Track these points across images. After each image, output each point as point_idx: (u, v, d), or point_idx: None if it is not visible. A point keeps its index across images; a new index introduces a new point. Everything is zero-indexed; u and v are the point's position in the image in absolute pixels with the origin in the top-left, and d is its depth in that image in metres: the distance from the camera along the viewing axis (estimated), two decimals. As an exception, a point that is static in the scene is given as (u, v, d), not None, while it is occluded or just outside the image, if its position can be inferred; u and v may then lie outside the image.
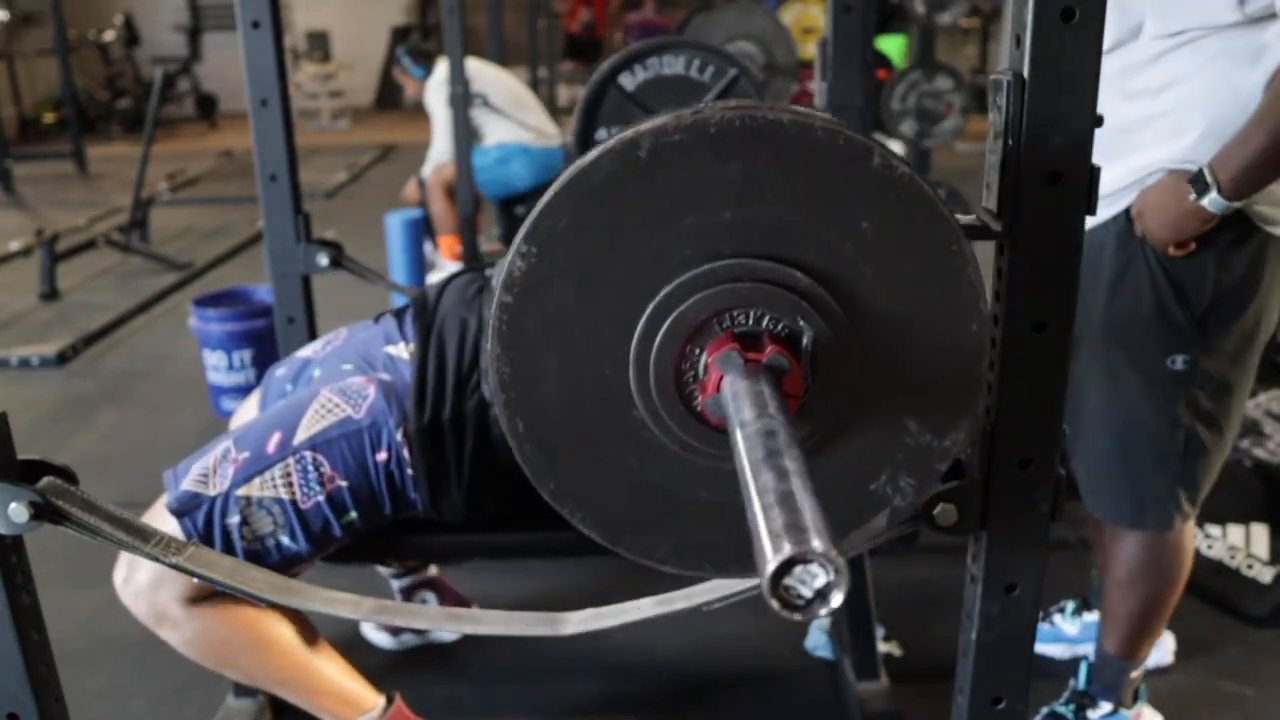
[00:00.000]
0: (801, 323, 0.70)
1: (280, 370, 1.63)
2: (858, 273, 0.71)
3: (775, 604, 0.49)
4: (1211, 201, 1.31)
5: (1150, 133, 1.39)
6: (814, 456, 0.75)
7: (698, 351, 0.71)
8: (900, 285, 0.72)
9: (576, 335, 0.72)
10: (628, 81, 1.96)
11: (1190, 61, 1.34)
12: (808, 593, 0.49)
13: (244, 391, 2.86)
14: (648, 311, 0.71)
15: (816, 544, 0.49)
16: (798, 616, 0.49)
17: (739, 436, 0.60)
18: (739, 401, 0.64)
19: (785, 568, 0.49)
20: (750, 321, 0.70)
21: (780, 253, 0.70)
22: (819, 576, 0.49)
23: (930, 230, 0.71)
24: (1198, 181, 1.32)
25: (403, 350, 1.50)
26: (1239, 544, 2.12)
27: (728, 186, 0.69)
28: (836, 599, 0.49)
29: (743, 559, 0.79)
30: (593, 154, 0.69)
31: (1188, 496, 1.51)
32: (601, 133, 1.96)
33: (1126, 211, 1.43)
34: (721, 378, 0.68)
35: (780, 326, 0.70)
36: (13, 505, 0.84)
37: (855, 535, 0.79)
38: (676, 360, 0.71)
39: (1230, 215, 1.35)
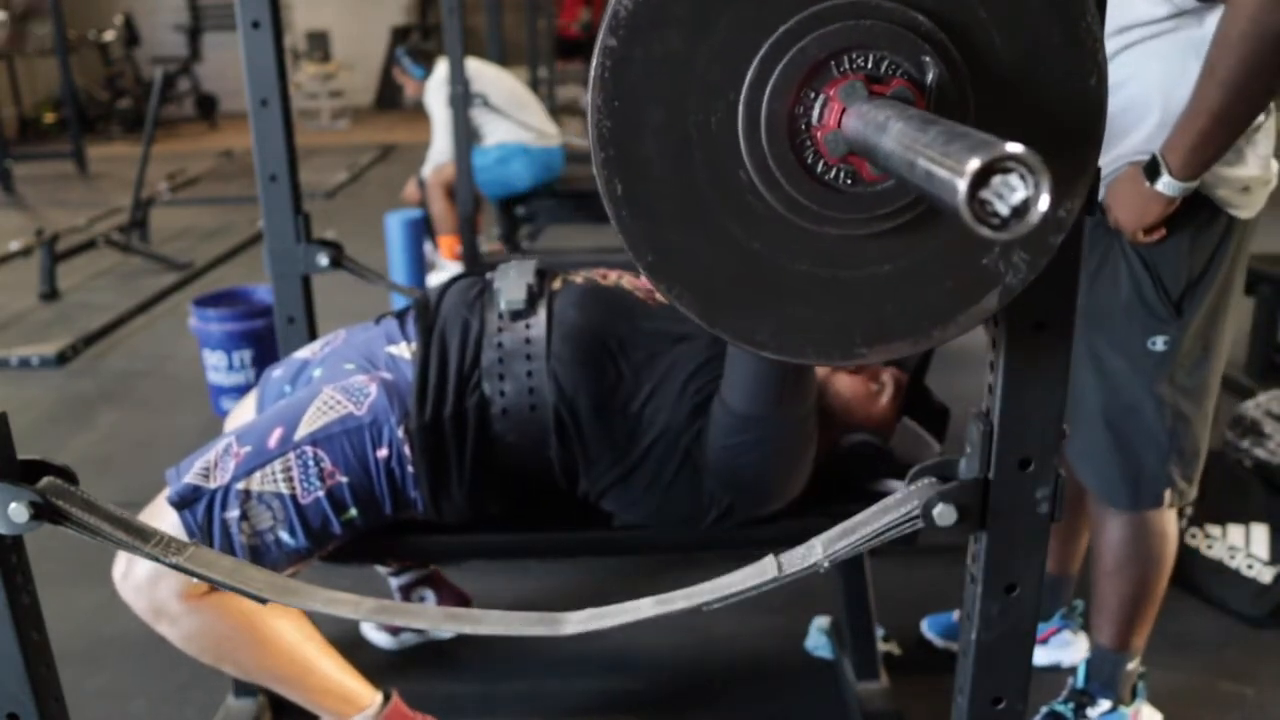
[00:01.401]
0: (926, 60, 0.66)
1: (277, 371, 1.63)
2: (975, 16, 0.68)
3: (971, 220, 0.46)
4: (1166, 184, 1.38)
5: (1113, 130, 1.44)
6: (926, 225, 0.71)
7: (814, 95, 0.67)
8: (1018, 31, 0.68)
9: (684, 82, 0.67)
10: None
11: (1141, 60, 1.42)
12: (1005, 209, 0.46)
13: (244, 391, 2.86)
14: (763, 50, 0.67)
15: (1012, 148, 0.45)
16: (998, 235, 0.45)
17: (885, 131, 0.56)
18: (874, 112, 0.60)
19: (980, 179, 0.45)
20: (869, 64, 0.66)
21: None
22: (1018, 190, 0.45)
23: None
24: (1151, 167, 1.39)
25: (404, 350, 1.50)
26: (1239, 544, 2.12)
27: None
28: (1037, 213, 0.45)
29: (845, 342, 0.75)
30: None
31: (1180, 472, 1.56)
32: None
33: (1100, 205, 1.47)
34: (844, 112, 0.64)
35: (900, 71, 0.66)
36: (13, 505, 0.84)
37: (964, 316, 0.75)
38: (791, 104, 0.67)
39: (1196, 202, 1.42)
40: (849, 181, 0.68)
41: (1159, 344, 1.49)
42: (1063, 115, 0.70)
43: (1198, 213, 1.44)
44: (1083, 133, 0.71)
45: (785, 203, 0.69)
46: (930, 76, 0.66)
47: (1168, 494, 1.56)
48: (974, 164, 0.45)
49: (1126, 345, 1.51)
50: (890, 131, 0.56)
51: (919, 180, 0.51)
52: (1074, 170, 0.72)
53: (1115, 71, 1.42)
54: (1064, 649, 1.92)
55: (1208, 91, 1.32)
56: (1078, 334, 1.48)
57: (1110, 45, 1.41)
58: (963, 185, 0.45)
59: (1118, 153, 1.46)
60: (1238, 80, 1.29)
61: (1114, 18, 1.40)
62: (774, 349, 0.75)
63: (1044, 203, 0.45)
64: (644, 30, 0.67)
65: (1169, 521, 1.61)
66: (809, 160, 0.68)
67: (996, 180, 0.45)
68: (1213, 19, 1.34)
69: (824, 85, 0.66)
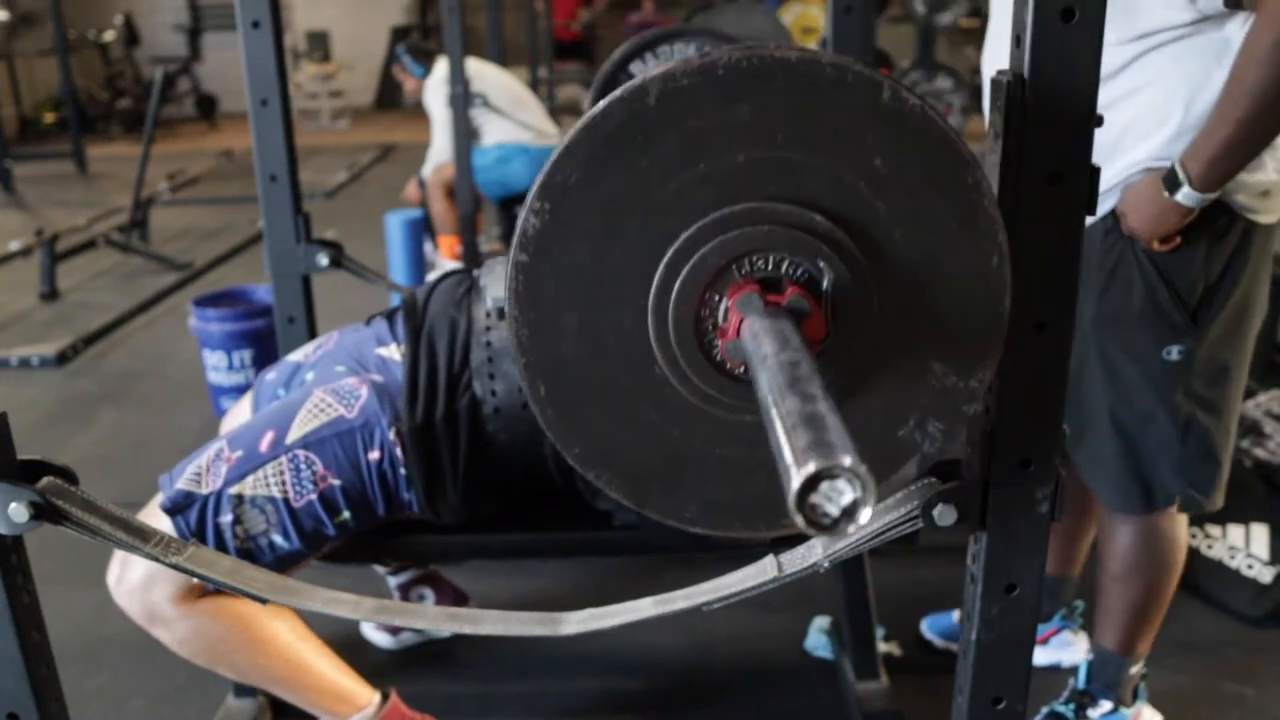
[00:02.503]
0: (821, 264, 0.68)
1: (271, 374, 1.63)
2: (873, 212, 0.70)
3: (801, 521, 0.48)
4: (1185, 195, 1.35)
5: (1130, 136, 1.42)
6: (842, 406, 0.72)
7: (717, 298, 0.69)
8: (917, 222, 0.70)
9: (594, 290, 0.71)
10: (638, 70, 1.94)
11: (1160, 65, 1.38)
12: (834, 510, 0.48)
13: (244, 391, 2.86)
14: (665, 259, 0.69)
15: (844, 459, 0.48)
16: (825, 535, 0.48)
17: (762, 369, 0.59)
18: (760, 339, 0.63)
19: (811, 483, 0.48)
20: (769, 266, 0.69)
21: (795, 194, 0.69)
22: (845, 493, 0.48)
23: (944, 162, 0.69)
24: (1170, 178, 1.36)
25: (394, 351, 1.50)
26: (1239, 544, 2.12)
27: (739, 129, 0.68)
28: (864, 515, 0.48)
29: (770, 515, 0.78)
30: (601, 104, 0.68)
31: (1193, 481, 1.53)
32: None
33: (1113, 212, 1.46)
34: (742, 321, 0.67)
35: (799, 270, 0.69)
36: (13, 505, 0.84)
37: (884, 485, 0.77)
38: (696, 308, 0.70)
39: (1213, 207, 1.39)
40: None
41: (1174, 354, 1.46)
42: (967, 296, 0.72)
43: (1215, 219, 1.40)
44: (986, 309, 0.73)
45: (699, 396, 0.73)
46: (826, 281, 0.69)
47: (1178, 499, 1.54)
48: (809, 469, 0.48)
49: (1141, 354, 1.48)
50: (765, 373, 0.58)
51: (771, 446, 0.53)
52: (980, 346, 0.74)
53: (1131, 77, 1.40)
54: (1064, 649, 1.92)
55: (1234, 102, 1.28)
56: (1090, 341, 1.50)
57: (1126, 51, 1.39)
58: (795, 486, 0.48)
59: (1133, 159, 1.42)
60: (1267, 92, 1.25)
61: (1129, 23, 1.37)
62: (703, 525, 0.79)
63: (866, 514, 0.48)
64: (551, 246, 0.70)
65: (1179, 529, 1.59)
66: (717, 358, 0.71)
67: (825, 485, 0.48)
68: (1235, 24, 1.32)
69: (726, 289, 0.69)
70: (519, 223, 0.70)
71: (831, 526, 0.48)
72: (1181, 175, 1.35)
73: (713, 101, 0.67)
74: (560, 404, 0.74)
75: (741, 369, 0.70)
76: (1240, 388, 1.53)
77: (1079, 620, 1.94)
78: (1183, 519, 1.59)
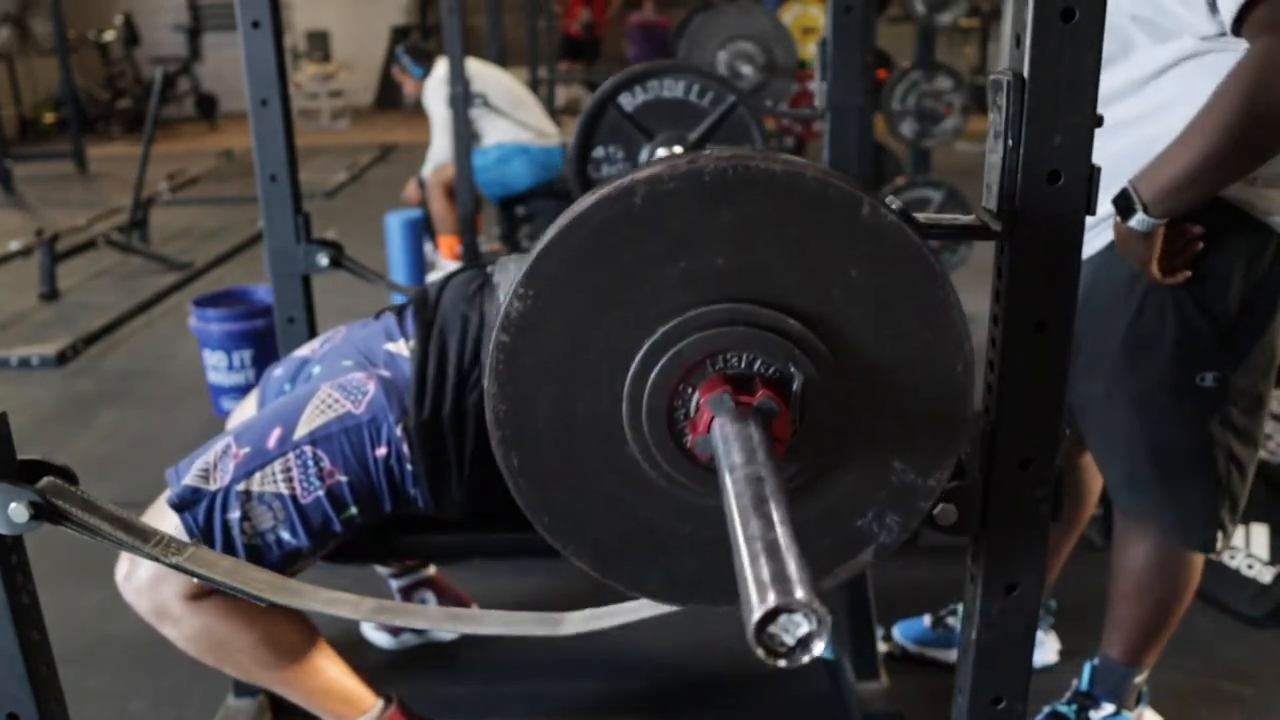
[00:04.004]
0: (792, 368, 0.72)
1: (278, 370, 1.63)
2: (846, 317, 0.73)
3: (760, 651, 0.51)
4: (1139, 221, 1.28)
5: (1152, 153, 1.35)
6: (801, 495, 0.77)
7: (690, 390, 0.73)
8: (887, 330, 0.74)
9: (571, 374, 0.74)
10: (627, 102, 1.97)
11: (1192, 80, 1.31)
12: (790, 640, 0.51)
13: (244, 391, 2.86)
14: (642, 350, 0.73)
15: (800, 594, 0.51)
16: (781, 663, 0.52)
17: (728, 481, 0.62)
18: (729, 445, 0.66)
19: (770, 617, 0.51)
20: (742, 364, 0.72)
21: (771, 297, 0.72)
22: (802, 625, 0.51)
23: (917, 277, 0.73)
24: (1122, 201, 1.29)
25: (403, 347, 1.50)
26: (1239, 544, 2.12)
27: (721, 233, 0.71)
28: (818, 647, 0.51)
29: (729, 591, 0.80)
30: (588, 200, 0.71)
31: (1230, 516, 1.49)
32: (599, 150, 1.98)
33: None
34: (713, 419, 0.70)
35: (771, 370, 0.72)
36: (13, 505, 0.84)
37: (841, 570, 0.81)
38: (669, 398, 0.73)
39: (1249, 227, 1.33)
40: None
41: (1208, 379, 1.40)
42: (930, 400, 0.76)
43: (1250, 238, 1.35)
44: (947, 413, 0.76)
45: (667, 479, 0.76)
46: (796, 384, 0.72)
47: (1219, 539, 1.50)
48: (767, 604, 0.51)
49: (1173, 382, 1.42)
50: (733, 484, 0.61)
51: (734, 566, 0.56)
52: (939, 445, 0.78)
53: (1155, 94, 1.35)
54: (1036, 649, 1.92)
55: (1201, 132, 1.22)
56: (1118, 373, 1.45)
57: (1159, 57, 1.34)
58: (754, 619, 0.51)
59: None
60: (1243, 129, 1.20)
61: (1154, 31, 1.32)
62: (664, 598, 0.83)
63: (821, 644, 0.51)
64: (533, 330, 0.73)
65: (1195, 552, 1.56)
66: (688, 445, 0.74)
67: (783, 618, 0.51)
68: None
69: (700, 383, 0.72)
70: (503, 306, 0.73)
71: (787, 655, 0.51)
72: (1134, 199, 1.28)
73: (697, 205, 0.70)
74: (532, 476, 0.77)
75: (710, 459, 0.72)
76: (1267, 414, 1.48)
77: (1050, 619, 1.95)
78: None
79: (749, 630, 0.51)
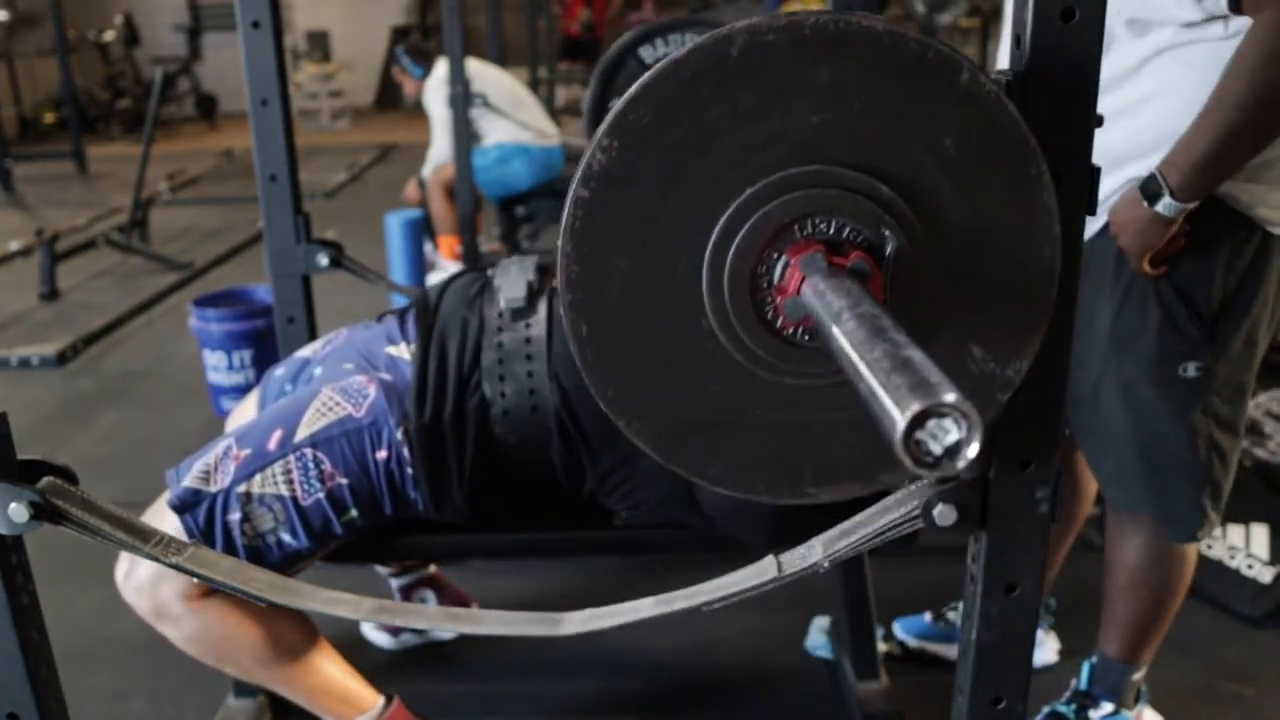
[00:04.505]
0: (885, 232, 0.68)
1: (279, 370, 1.63)
2: (937, 187, 0.70)
3: (908, 460, 0.49)
4: (1166, 206, 1.31)
5: (1141, 145, 1.38)
6: None
7: (775, 256, 0.69)
8: (978, 204, 0.71)
9: (651, 235, 0.70)
10: (647, 54, 1.94)
11: (1173, 72, 1.34)
12: (938, 448, 0.49)
13: (244, 391, 2.86)
14: (729, 211, 0.69)
15: (948, 396, 0.48)
16: (932, 474, 0.50)
17: (836, 327, 0.59)
18: (828, 296, 0.62)
19: (918, 421, 0.48)
20: (831, 229, 0.69)
21: (864, 162, 0.69)
22: (951, 431, 0.48)
23: (1012, 150, 0.70)
24: (1149, 187, 1.32)
25: (404, 350, 1.50)
26: (1239, 544, 2.12)
27: (816, 90, 0.68)
28: (970, 452, 0.48)
29: (796, 481, 0.78)
30: (683, 50, 0.68)
31: (1213, 505, 1.50)
32: (615, 102, 1.97)
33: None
34: (803, 280, 0.67)
35: (859, 237, 0.69)
36: (13, 505, 0.84)
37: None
38: (753, 263, 0.70)
39: (1233, 220, 1.35)
40: (806, 338, 0.71)
41: (1191, 370, 1.42)
42: (1016, 281, 0.73)
43: (1234, 230, 1.37)
44: (1034, 298, 0.74)
45: (744, 353, 0.72)
46: (889, 249, 0.69)
47: (1202, 528, 1.51)
48: (914, 408, 0.48)
49: (1157, 372, 1.44)
50: (842, 327, 0.58)
51: (861, 394, 0.53)
52: (1024, 332, 0.75)
53: (1142, 83, 1.37)
54: (1036, 649, 1.92)
55: (1219, 112, 1.25)
56: (1107, 360, 1.47)
57: (1138, 50, 1.36)
58: (901, 425, 0.48)
59: (1139, 172, 1.38)
60: (1254, 104, 1.22)
61: (1136, 18, 1.34)
62: (726, 485, 0.79)
63: (974, 448, 0.48)
64: (615, 185, 0.69)
65: (1189, 545, 1.56)
66: (769, 316, 0.71)
67: (932, 423, 0.48)
68: (1242, 24, 1.27)
69: (786, 248, 0.69)
70: (584, 158, 0.69)
71: (936, 464, 0.49)
72: (1162, 184, 1.31)
73: (795, 59, 0.67)
74: (600, 346, 0.73)
75: (791, 329, 0.69)
76: (1249, 394, 1.50)
77: (1050, 619, 1.95)
78: None
79: (896, 438, 0.48)
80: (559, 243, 0.72)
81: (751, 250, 0.69)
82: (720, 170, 0.69)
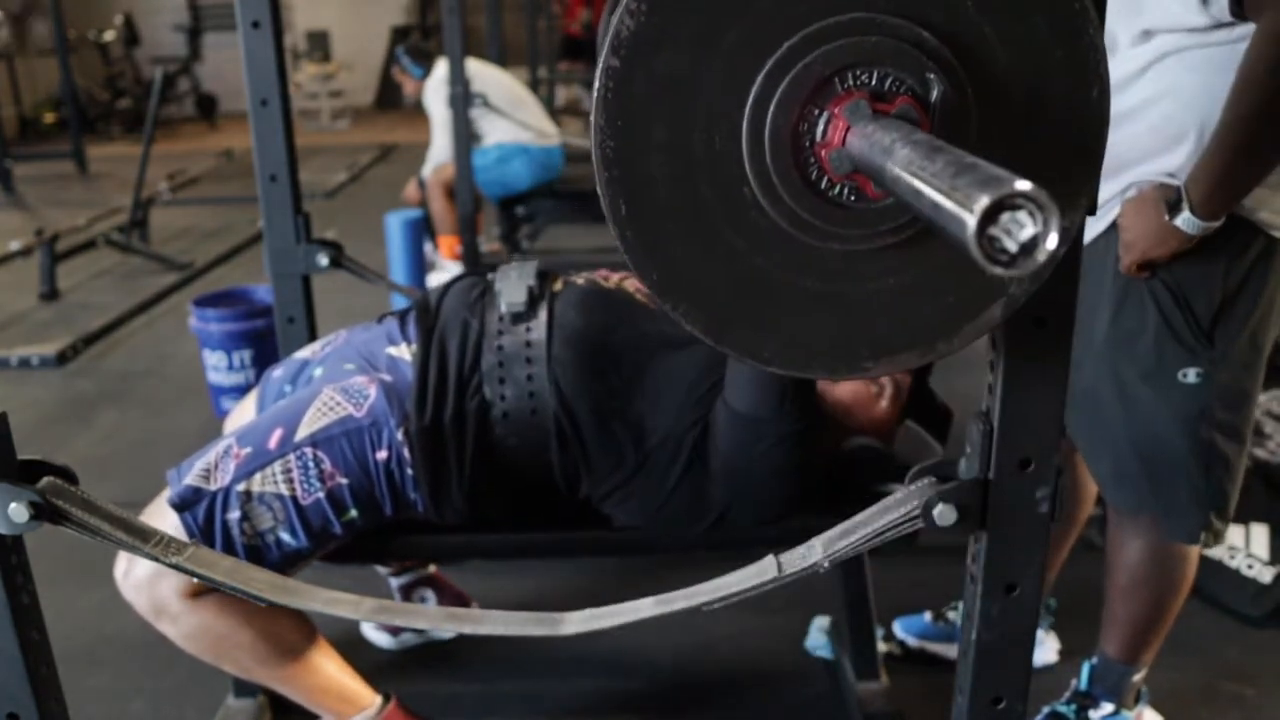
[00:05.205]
0: (930, 78, 0.66)
1: (278, 371, 1.63)
2: (979, 32, 0.67)
3: (980, 256, 0.46)
4: (1185, 221, 1.32)
5: (1144, 149, 1.38)
6: (929, 239, 0.71)
7: (817, 112, 0.66)
8: (1021, 47, 0.68)
9: (688, 101, 0.67)
10: None
11: (1176, 75, 1.34)
12: (1013, 245, 0.46)
13: (244, 391, 2.86)
14: (765, 69, 0.66)
15: (1021, 185, 0.45)
16: (1008, 272, 0.46)
17: (891, 156, 0.56)
18: (877, 135, 0.60)
19: (990, 216, 0.45)
20: (873, 81, 0.66)
21: (903, 9, 0.66)
22: (1027, 225, 0.45)
23: None
24: (1173, 200, 1.32)
25: (404, 351, 1.50)
26: (1239, 544, 2.12)
27: None
28: (1050, 244, 0.45)
29: (851, 356, 0.75)
30: None
31: (1216, 512, 1.49)
32: None
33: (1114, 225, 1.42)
34: (848, 130, 0.64)
35: (903, 88, 0.66)
36: (13, 505, 0.84)
37: (970, 327, 0.75)
38: (794, 121, 0.66)
39: (1233, 223, 1.34)
40: (853, 198, 0.68)
41: (1190, 376, 1.41)
42: (1064, 130, 0.70)
43: (1235, 234, 1.35)
44: (1084, 146, 0.71)
45: (789, 219, 0.69)
46: (935, 94, 0.66)
47: (1202, 534, 1.50)
48: (984, 201, 0.45)
49: (1155, 376, 1.43)
50: (896, 156, 0.56)
51: (925, 209, 0.51)
52: (1076, 183, 0.71)
53: (1144, 87, 1.37)
54: (1036, 649, 1.92)
55: (1231, 128, 1.25)
56: (1104, 363, 1.47)
57: (1140, 56, 1.36)
58: (972, 222, 0.45)
59: (1140, 176, 1.38)
60: (1265, 115, 1.22)
61: (1138, 24, 1.34)
62: (781, 364, 0.75)
63: (1053, 240, 0.45)
64: (646, 50, 0.66)
65: (1190, 547, 1.56)
66: (813, 176, 0.68)
67: (1005, 217, 0.45)
68: (1246, 29, 1.27)
69: (828, 102, 0.66)
70: (612, 26, 0.67)
71: (1012, 262, 0.46)
72: (1185, 199, 1.30)
73: None
74: (641, 225, 0.70)
75: (837, 187, 0.67)
76: (1254, 410, 1.48)
77: (1050, 619, 1.95)
78: None
79: (968, 234, 0.45)
80: (591, 118, 0.68)
81: (792, 106, 0.66)
82: (754, 26, 0.66)
